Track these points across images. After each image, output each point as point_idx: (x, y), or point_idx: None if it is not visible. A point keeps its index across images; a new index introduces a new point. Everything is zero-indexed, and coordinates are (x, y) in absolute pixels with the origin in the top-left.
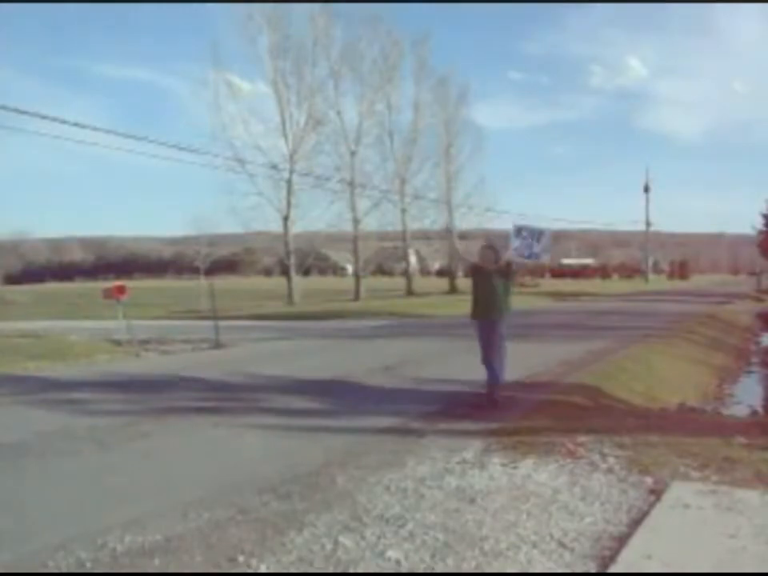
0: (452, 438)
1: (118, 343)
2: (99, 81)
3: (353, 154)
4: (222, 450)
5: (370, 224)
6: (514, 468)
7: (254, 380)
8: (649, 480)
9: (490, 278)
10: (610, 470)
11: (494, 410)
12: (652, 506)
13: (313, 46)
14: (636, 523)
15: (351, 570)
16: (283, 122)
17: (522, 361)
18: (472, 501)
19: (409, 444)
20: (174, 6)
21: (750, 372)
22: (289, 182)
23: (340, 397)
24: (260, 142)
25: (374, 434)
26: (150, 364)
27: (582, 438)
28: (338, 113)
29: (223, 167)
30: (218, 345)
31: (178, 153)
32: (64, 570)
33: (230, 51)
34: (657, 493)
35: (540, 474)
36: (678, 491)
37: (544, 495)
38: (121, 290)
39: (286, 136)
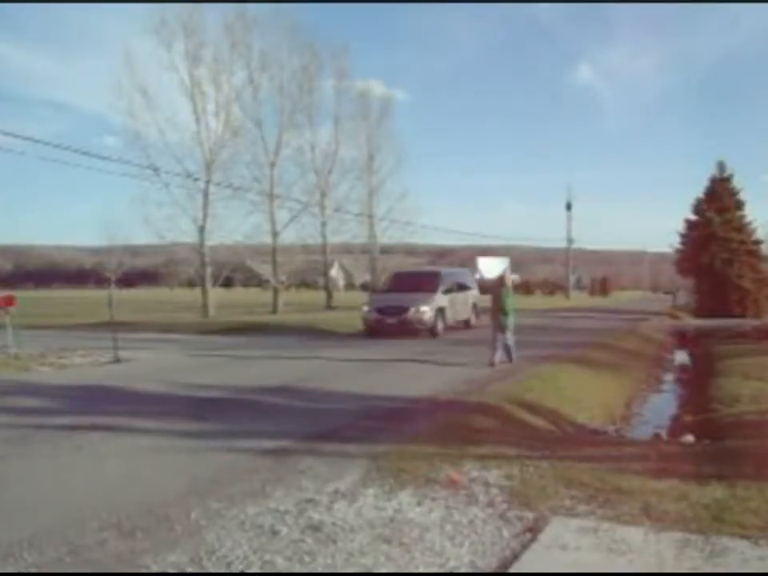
0: (332, 463)
1: (6, 356)
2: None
3: (272, 165)
4: (78, 478)
5: (288, 236)
6: (387, 501)
7: (141, 398)
8: (530, 515)
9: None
10: (490, 504)
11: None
12: (526, 546)
13: (230, 54)
14: (504, 567)
15: None
16: (199, 132)
17: (424, 378)
18: (330, 540)
19: (283, 471)
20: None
21: (660, 390)
22: (205, 192)
23: (227, 416)
24: (176, 152)
25: (250, 459)
26: (37, 378)
27: (468, 466)
28: (257, 123)
29: (138, 176)
30: (116, 359)
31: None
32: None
33: (144, 57)
34: (535, 531)
35: (413, 508)
36: (558, 529)
37: (411, 534)
38: (8, 300)
39: (202, 146)
